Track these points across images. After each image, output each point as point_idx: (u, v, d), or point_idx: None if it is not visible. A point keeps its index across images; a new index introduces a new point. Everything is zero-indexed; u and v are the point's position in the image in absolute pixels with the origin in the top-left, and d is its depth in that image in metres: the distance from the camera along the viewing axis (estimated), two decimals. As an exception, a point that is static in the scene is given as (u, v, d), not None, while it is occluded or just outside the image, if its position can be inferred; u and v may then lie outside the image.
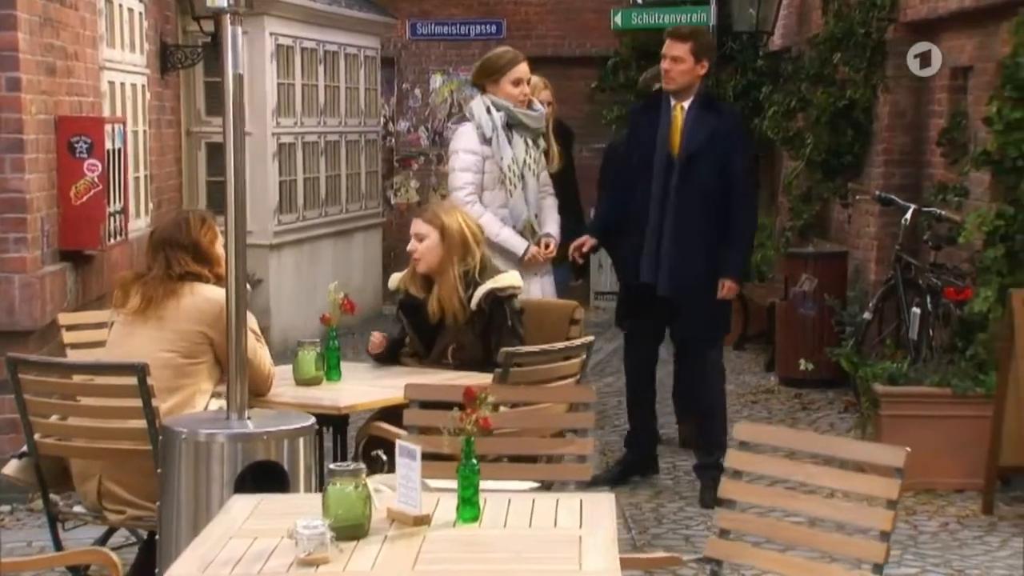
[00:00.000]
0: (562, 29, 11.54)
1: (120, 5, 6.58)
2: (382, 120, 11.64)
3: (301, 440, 3.08)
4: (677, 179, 4.94)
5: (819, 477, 2.55)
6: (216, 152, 8.53)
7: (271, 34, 8.53)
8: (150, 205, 7.33)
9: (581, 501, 2.62)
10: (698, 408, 5.31)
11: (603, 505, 2.59)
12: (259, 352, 3.60)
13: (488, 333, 4.12)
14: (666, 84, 5.02)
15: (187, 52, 7.86)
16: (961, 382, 5.32)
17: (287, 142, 8.88)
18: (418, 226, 4.23)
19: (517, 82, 4.92)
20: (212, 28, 7.60)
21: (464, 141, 4.92)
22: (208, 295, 3.52)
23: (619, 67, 10.83)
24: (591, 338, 3.95)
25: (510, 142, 4.84)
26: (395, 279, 4.39)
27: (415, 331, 4.24)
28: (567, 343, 3.83)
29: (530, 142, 4.92)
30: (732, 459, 2.64)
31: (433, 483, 2.81)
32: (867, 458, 2.47)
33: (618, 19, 10.49)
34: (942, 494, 5.22)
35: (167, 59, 7.72)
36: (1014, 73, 5.18)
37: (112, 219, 5.62)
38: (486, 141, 4.85)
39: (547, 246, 4.97)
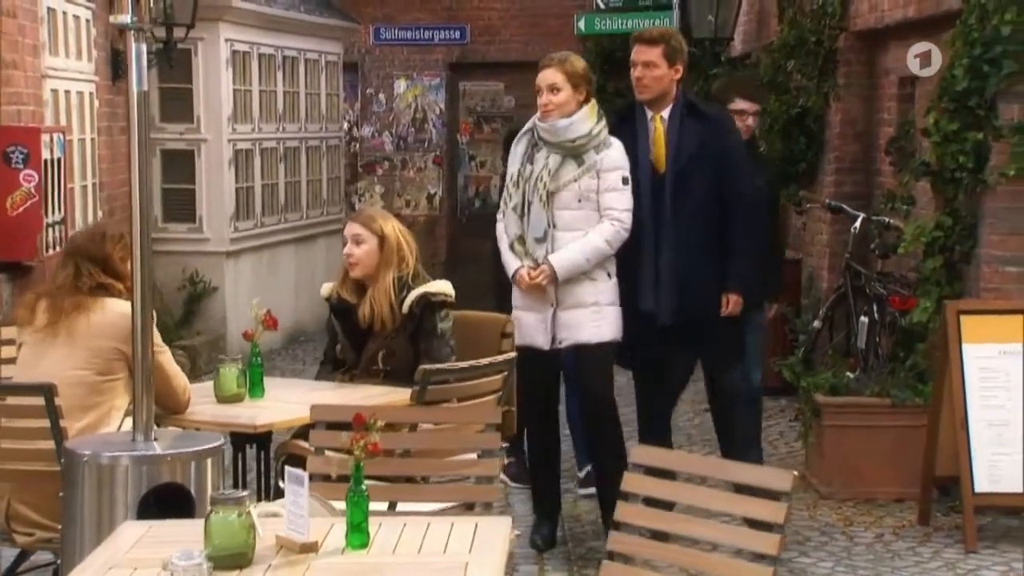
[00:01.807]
0: (526, 34, 11.55)
1: (65, 13, 6.53)
2: (346, 125, 11.63)
3: (209, 461, 3.05)
4: (670, 198, 4.45)
5: (711, 500, 2.54)
6: (172, 159, 8.51)
7: (226, 40, 8.50)
8: (99, 213, 7.28)
9: (476, 525, 2.60)
10: (726, 440, 4.83)
11: (498, 529, 2.57)
12: (170, 367, 3.55)
13: (418, 338, 4.11)
14: (639, 93, 4.51)
15: (139, 59, 7.82)
16: (900, 392, 5.32)
17: (244, 148, 8.84)
18: (355, 228, 4.21)
19: (538, 91, 4.40)
20: (163, 34, 7.58)
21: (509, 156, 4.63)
22: (121, 310, 3.47)
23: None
24: (514, 354, 3.93)
25: (531, 156, 4.39)
26: (327, 288, 4.38)
27: (346, 336, 4.23)
28: (489, 360, 3.80)
29: (555, 158, 4.35)
30: (628, 482, 2.62)
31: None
32: (756, 482, 2.46)
33: (581, 24, 10.48)
34: (882, 504, 5.22)
35: (119, 66, 7.68)
36: (951, 85, 5.19)
37: (51, 229, 5.58)
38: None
39: (540, 273, 4.38)
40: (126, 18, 2.97)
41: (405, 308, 4.10)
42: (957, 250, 5.33)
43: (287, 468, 2.48)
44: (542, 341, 4.44)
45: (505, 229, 4.52)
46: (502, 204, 4.54)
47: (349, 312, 4.19)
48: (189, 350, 7.86)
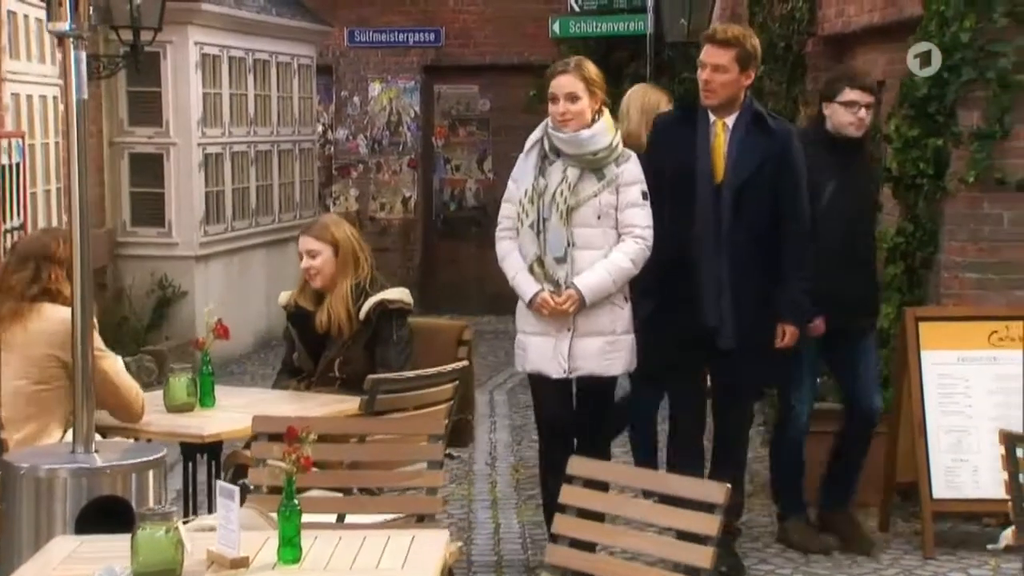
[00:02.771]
0: (501, 37, 11.52)
1: (26, 16, 6.48)
2: (321, 128, 11.60)
3: (150, 473, 3.03)
4: (728, 212, 4.16)
5: (648, 513, 2.53)
6: (141, 162, 8.47)
7: (196, 43, 8.46)
8: (63, 218, 7.24)
9: (412, 539, 2.58)
10: (724, 457, 4.46)
11: (433, 543, 2.56)
12: (118, 376, 3.51)
13: (374, 346, 4.09)
14: (706, 98, 4.21)
15: (106, 62, 7.78)
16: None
17: (214, 152, 8.80)
18: (309, 243, 4.21)
19: (552, 99, 4.12)
20: (130, 38, 7.54)
21: (515, 168, 4.26)
22: (60, 316, 3.42)
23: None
24: (465, 362, 3.92)
25: (543, 169, 4.09)
26: (284, 296, 4.37)
27: (303, 344, 4.22)
28: (437, 369, 3.79)
29: (574, 172, 4.07)
30: (565, 494, 2.61)
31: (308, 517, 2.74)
32: (690, 494, 2.45)
33: (556, 27, 10.47)
34: (844, 510, 5.22)
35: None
36: (911, 91, 5.20)
37: (8, 236, 5.54)
38: None
39: (568, 299, 4.07)
40: (64, 25, 2.94)
41: (362, 315, 4.10)
42: (918, 256, 5.34)
43: (218, 482, 2.46)
44: (553, 369, 4.15)
45: (519, 249, 4.14)
46: (507, 222, 4.19)
47: (306, 320, 4.19)
48: (157, 355, 7.81)
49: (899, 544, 4.86)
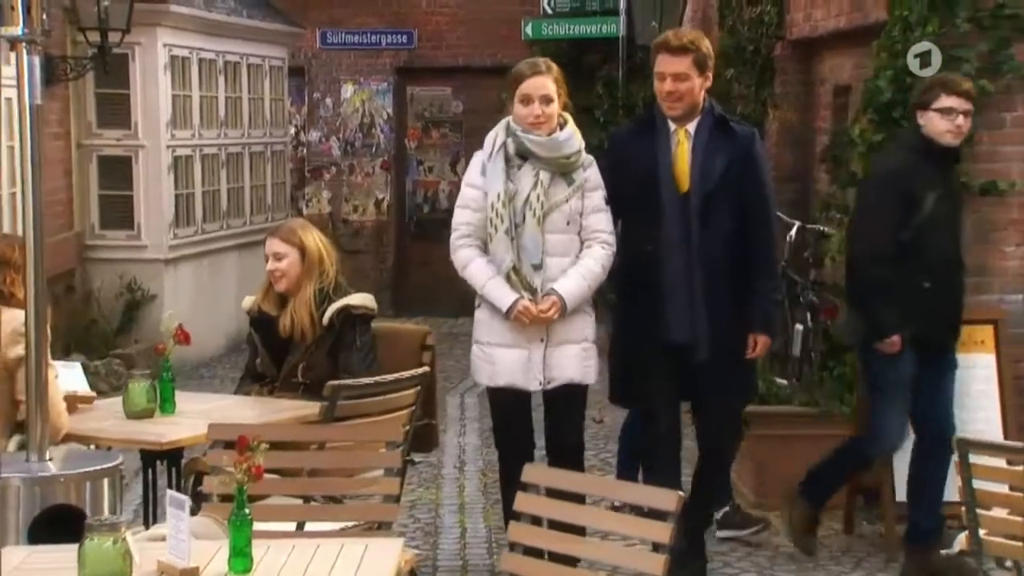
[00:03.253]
0: (473, 39, 11.51)
1: (-9, 18, 6.43)
2: (293, 130, 11.55)
3: (105, 481, 3.00)
4: (697, 222, 4.03)
5: (600, 520, 2.52)
6: (109, 165, 8.41)
7: (164, 45, 8.41)
8: (30, 221, 7.18)
9: (366, 547, 2.57)
10: (712, 463, 4.39)
11: (387, 552, 2.55)
12: (51, 386, 3.44)
13: (337, 351, 4.08)
14: (670, 109, 4.04)
15: (73, 64, 7.73)
16: (827, 402, 5.35)
17: (183, 155, 8.75)
18: (275, 245, 4.20)
19: (526, 100, 3.98)
20: (98, 40, 7.49)
21: (468, 172, 4.12)
22: (2, 317, 3.36)
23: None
24: (426, 369, 3.91)
25: (509, 174, 3.96)
26: (248, 300, 4.35)
27: (266, 349, 4.20)
28: (396, 376, 3.78)
29: (546, 176, 3.98)
30: (520, 502, 2.60)
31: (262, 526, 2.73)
32: (642, 501, 2.45)
33: (529, 29, 10.47)
34: (810, 513, 5.24)
35: (51, 71, 7.58)
36: (875, 96, 5.22)
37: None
38: (485, 172, 4.03)
39: (552, 306, 3.98)
40: (16, 30, 2.91)
41: (325, 320, 4.08)
42: (883, 260, 5.36)
43: (169, 492, 2.44)
44: (527, 381, 4.04)
45: (492, 257, 4.01)
46: (465, 228, 4.05)
47: (270, 324, 4.17)
48: (126, 358, 7.77)
49: (862, 547, 4.88)
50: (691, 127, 4.06)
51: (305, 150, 11.78)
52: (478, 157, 4.10)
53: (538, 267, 3.99)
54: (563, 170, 4.01)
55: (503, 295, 3.99)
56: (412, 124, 11.88)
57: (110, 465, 3.04)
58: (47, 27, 2.91)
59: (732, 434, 4.39)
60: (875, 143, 5.24)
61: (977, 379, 4.83)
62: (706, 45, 4.13)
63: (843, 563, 4.72)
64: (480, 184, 4.05)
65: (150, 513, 3.73)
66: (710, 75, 4.09)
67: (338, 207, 11.76)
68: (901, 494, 4.80)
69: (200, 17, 8.79)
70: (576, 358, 4.07)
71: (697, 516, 4.28)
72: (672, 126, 4.08)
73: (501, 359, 4.06)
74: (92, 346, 7.84)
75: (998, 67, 5.00)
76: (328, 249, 4.23)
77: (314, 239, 4.21)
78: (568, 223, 4.03)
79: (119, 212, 8.37)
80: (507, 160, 4.02)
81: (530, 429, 4.20)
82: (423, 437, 4.36)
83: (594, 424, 6.93)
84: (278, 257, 4.16)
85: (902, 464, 4.82)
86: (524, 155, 4.00)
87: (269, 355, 4.20)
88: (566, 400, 4.12)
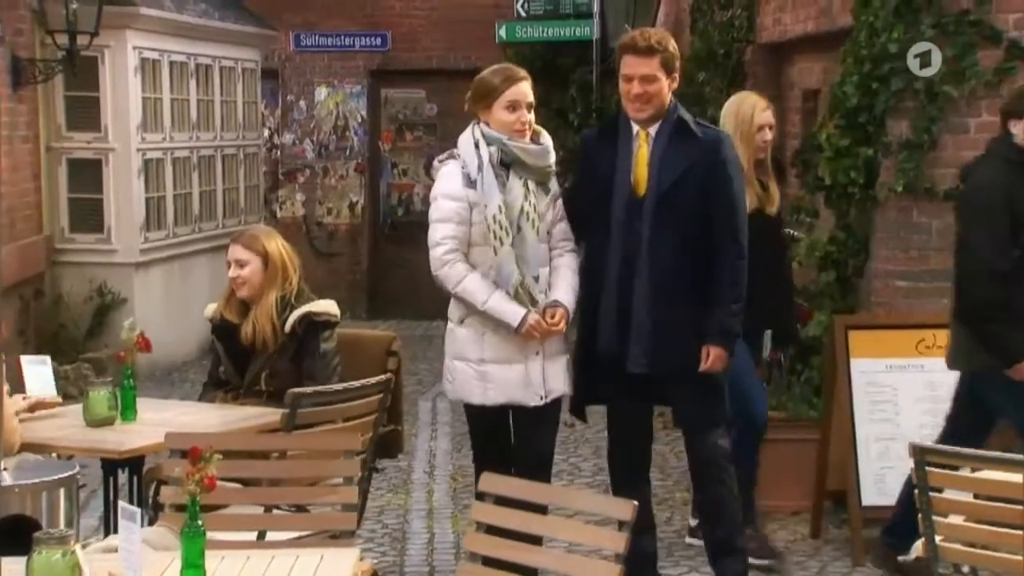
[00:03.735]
0: (448, 42, 11.50)
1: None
2: (267, 133, 11.51)
3: (61, 492, 2.97)
4: (648, 228, 3.88)
5: (557, 529, 2.52)
6: (78, 168, 8.36)
7: (134, 48, 8.35)
8: (-2, 223, 7.14)
9: (321, 557, 2.56)
10: (704, 505, 4.20)
11: (342, 562, 2.54)
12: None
13: (301, 359, 4.07)
14: (638, 112, 3.91)
15: (42, 67, 7.68)
16: (796, 406, 5.37)
17: (154, 157, 8.70)
18: (238, 252, 4.18)
19: (513, 106, 3.84)
20: (66, 42, 7.45)
21: (445, 184, 3.88)
22: None
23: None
24: (389, 375, 3.90)
25: (503, 185, 3.82)
26: (210, 308, 4.33)
27: (228, 357, 4.18)
28: (361, 382, 3.77)
29: (532, 185, 3.87)
30: (477, 511, 2.60)
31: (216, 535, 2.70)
32: (599, 510, 2.44)
33: (503, 32, 10.49)
34: (778, 518, 5.24)
35: (19, 73, 7.53)
36: (842, 101, 5.25)
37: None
38: (471, 183, 3.83)
39: (553, 316, 3.88)
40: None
41: (287, 328, 4.07)
42: (850, 264, 5.40)
43: (120, 504, 2.42)
44: (527, 397, 3.90)
45: (493, 271, 3.84)
46: (452, 243, 3.84)
47: (232, 332, 4.15)
48: (96, 363, 7.72)
49: (829, 551, 4.89)
50: (653, 130, 3.93)
51: (279, 152, 11.74)
52: (453, 167, 3.89)
53: (536, 279, 3.89)
54: (544, 179, 3.92)
55: (512, 310, 3.83)
56: (386, 127, 11.86)
57: (66, 475, 3.01)
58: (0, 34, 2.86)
59: (709, 446, 4.07)
60: (842, 148, 5.27)
61: (943, 383, 4.84)
62: (673, 45, 4.00)
63: (808, 567, 4.73)
64: (464, 196, 3.84)
65: (110, 521, 3.69)
66: (677, 76, 3.97)
67: (312, 210, 11.73)
68: (868, 498, 4.82)
69: (171, 20, 8.74)
70: (564, 369, 4.00)
71: (714, 544, 4.12)
72: (635, 129, 3.96)
73: (498, 376, 3.88)
74: (61, 350, 7.78)
75: (962, 73, 5.04)
76: (291, 256, 4.22)
77: (277, 246, 4.19)
78: (547, 233, 3.96)
79: (89, 215, 8.31)
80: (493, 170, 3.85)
81: (510, 441, 4.06)
82: (389, 443, 4.36)
83: (565, 428, 6.95)
84: (240, 264, 4.15)
85: (867, 469, 4.85)
86: (507, 164, 3.85)
87: (232, 363, 4.18)
88: (551, 411, 4.01)
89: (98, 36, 7.53)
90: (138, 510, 2.38)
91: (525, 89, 3.89)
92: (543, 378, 3.91)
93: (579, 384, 4.05)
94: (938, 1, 5.00)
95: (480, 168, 3.82)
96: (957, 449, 2.97)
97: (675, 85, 3.97)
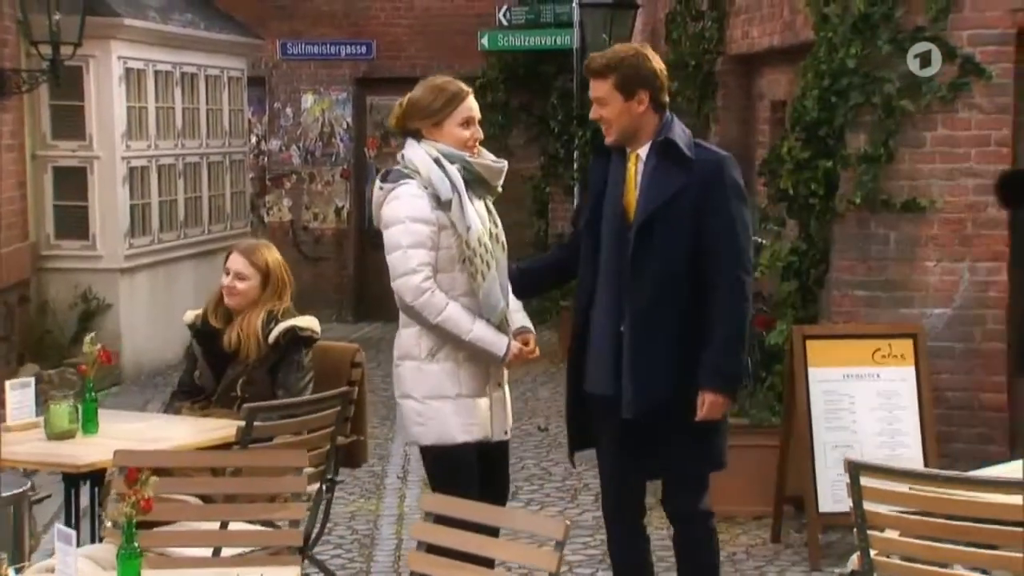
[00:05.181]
0: (431, 50, 11.47)
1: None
2: (255, 139, 11.48)
3: (11, 509, 2.95)
4: (632, 254, 3.47)
5: (492, 548, 2.50)
6: (64, 176, 8.32)
7: (119, 58, 8.32)
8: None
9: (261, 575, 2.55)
10: (680, 533, 3.75)
11: (281, 581, 2.52)
12: None
13: (278, 370, 4.04)
14: (606, 137, 3.59)
15: (26, 76, 7.64)
16: (758, 412, 5.36)
17: (139, 165, 8.66)
18: (239, 264, 4.12)
19: (467, 122, 3.54)
20: (49, 53, 7.42)
21: (408, 207, 3.47)
22: None
23: (486, 88, 10.81)
24: (345, 388, 3.87)
25: (463, 207, 3.48)
26: (190, 315, 4.31)
27: (207, 361, 4.15)
28: (316, 396, 3.74)
29: (488, 204, 3.59)
30: (416, 530, 2.58)
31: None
32: (532, 529, 2.43)
33: (485, 41, 10.48)
34: (741, 522, 5.24)
35: (3, 83, 7.50)
36: (802, 115, 5.23)
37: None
38: (442, 205, 3.46)
39: (526, 343, 3.60)
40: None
41: (271, 339, 4.03)
42: (811, 274, 5.38)
43: (56, 526, 2.40)
44: (497, 431, 3.59)
45: (483, 304, 3.50)
46: (428, 270, 3.48)
47: (214, 337, 4.13)
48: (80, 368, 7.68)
49: (788, 556, 4.88)
50: (642, 152, 3.54)
51: (266, 159, 11.72)
52: (414, 188, 3.48)
53: (504, 306, 3.58)
54: (494, 196, 3.62)
55: (497, 339, 3.52)
56: (371, 133, 11.84)
57: (17, 491, 2.98)
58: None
59: (691, 502, 3.63)
60: (802, 160, 5.26)
61: (898, 392, 4.86)
62: (632, 63, 3.51)
63: (766, 572, 4.72)
64: (434, 219, 3.47)
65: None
66: (645, 96, 3.48)
67: (299, 215, 11.70)
68: (825, 504, 4.81)
69: (155, 30, 8.70)
70: (508, 401, 3.68)
71: None
72: (628, 150, 3.57)
73: (476, 409, 3.54)
74: (46, 356, 7.76)
75: (918, 88, 5.02)
76: (288, 275, 4.18)
77: (278, 264, 4.15)
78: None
79: (74, 222, 8.28)
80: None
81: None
82: (353, 453, 4.34)
83: (538, 432, 6.92)
84: (240, 277, 4.11)
85: (825, 475, 4.84)
86: (468, 183, 3.51)
87: (209, 368, 4.16)
88: (505, 447, 3.70)
89: (81, 47, 7.49)
90: (73, 532, 2.36)
91: (474, 103, 3.61)
92: (506, 411, 3.63)
93: (572, 428, 3.67)
94: (895, 18, 4.99)
95: (455, 188, 3.47)
96: (890, 465, 2.96)
97: (642, 107, 3.49)
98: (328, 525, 5.11)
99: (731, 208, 3.50)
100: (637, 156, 3.55)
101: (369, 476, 5.99)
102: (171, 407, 4.27)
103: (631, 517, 3.69)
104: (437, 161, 3.50)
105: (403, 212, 3.49)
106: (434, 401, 3.54)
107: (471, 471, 3.52)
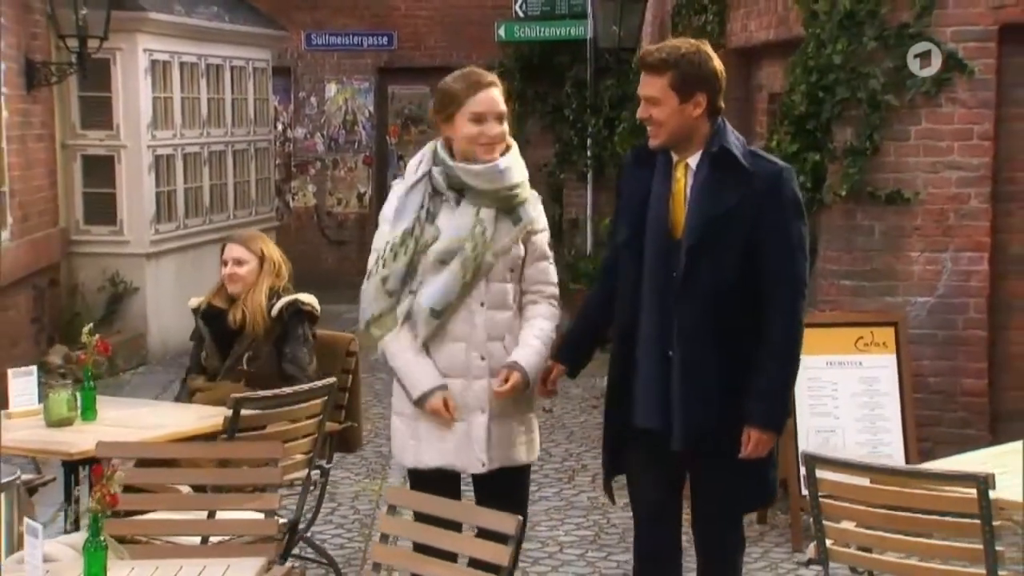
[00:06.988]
0: (450, 41, 11.43)
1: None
2: (281, 127, 11.50)
3: (2, 496, 2.96)
4: (681, 276, 2.99)
5: (453, 542, 2.48)
6: (93, 164, 8.36)
7: (145, 50, 8.32)
8: (9, 220, 7.16)
9: (227, 567, 2.53)
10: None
11: (247, 572, 2.51)
12: None
13: (283, 344, 4.10)
14: (651, 139, 3.03)
15: (54, 68, 7.67)
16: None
17: (165, 154, 8.69)
18: (238, 251, 4.21)
19: (479, 118, 3.03)
20: (77, 46, 7.44)
21: (386, 207, 3.15)
22: None
23: (502, 77, 10.73)
24: (332, 380, 3.86)
25: (429, 210, 3.05)
26: (195, 300, 4.38)
27: (214, 340, 4.19)
28: (305, 386, 3.74)
29: (486, 214, 3.05)
30: (384, 524, 2.56)
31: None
32: (486, 524, 2.40)
33: (502, 31, 10.41)
34: (729, 503, 5.20)
35: (33, 75, 7.53)
36: (791, 109, 5.15)
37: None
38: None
39: (507, 379, 3.06)
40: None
41: (274, 313, 4.10)
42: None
43: (25, 520, 2.40)
44: (469, 463, 3.05)
45: (412, 317, 3.04)
46: (386, 276, 3.05)
47: (219, 317, 4.18)
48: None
49: (773, 537, 4.84)
50: (693, 161, 3.01)
51: (292, 146, 11.74)
52: (398, 185, 3.16)
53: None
54: (506, 206, 3.08)
55: (421, 380, 3.08)
56: (392, 121, 11.83)
57: (6, 480, 2.98)
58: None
59: (729, 545, 3.24)
60: (791, 153, 5.17)
61: (880, 379, 4.79)
62: (694, 61, 3.00)
63: (749, 553, 4.64)
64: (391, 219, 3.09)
65: (69, 521, 3.68)
66: (703, 99, 2.98)
67: (323, 200, 11.74)
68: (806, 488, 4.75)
69: (180, 23, 8.70)
70: (519, 435, 3.14)
71: None
72: (675, 157, 3.04)
73: (437, 436, 3.06)
74: (75, 338, 7.80)
75: (903, 83, 4.93)
76: (284, 261, 4.28)
77: (272, 249, 4.26)
78: (512, 270, 3.12)
79: (103, 209, 8.33)
80: (431, 194, 3.08)
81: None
82: (347, 439, 4.35)
83: (543, 413, 6.90)
84: (239, 262, 4.19)
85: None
86: (459, 189, 3.07)
87: (216, 346, 4.20)
88: (513, 481, 3.14)
89: (107, 40, 7.51)
90: (40, 526, 2.36)
91: (494, 96, 3.05)
92: (488, 441, 3.05)
93: (607, 459, 3.20)
94: (880, 15, 4.88)
95: (410, 189, 3.07)
96: (845, 459, 2.90)
97: (699, 110, 2.98)
98: (331, 505, 5.16)
99: (790, 228, 2.99)
100: (686, 165, 3.02)
101: (376, 456, 6.00)
102: (183, 391, 4.30)
103: (668, 555, 3.22)
104: (421, 161, 3.13)
105: (384, 209, 3.19)
106: (395, 417, 3.17)
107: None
